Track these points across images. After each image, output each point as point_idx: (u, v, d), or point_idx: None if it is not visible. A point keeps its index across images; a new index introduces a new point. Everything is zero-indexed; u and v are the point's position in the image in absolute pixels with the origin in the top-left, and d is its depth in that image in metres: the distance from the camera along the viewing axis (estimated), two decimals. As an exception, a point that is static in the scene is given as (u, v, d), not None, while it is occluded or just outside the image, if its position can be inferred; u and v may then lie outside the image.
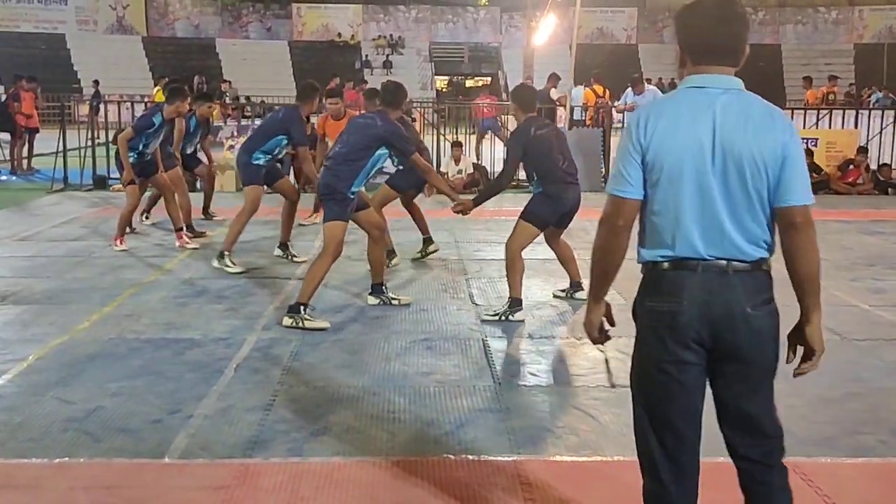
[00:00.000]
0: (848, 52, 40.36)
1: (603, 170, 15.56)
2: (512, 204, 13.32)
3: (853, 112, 17.97)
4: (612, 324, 3.03)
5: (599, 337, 3.03)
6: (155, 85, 22.53)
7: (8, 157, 18.05)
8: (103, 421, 4.71)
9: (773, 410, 2.84)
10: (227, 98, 25.18)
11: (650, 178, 2.72)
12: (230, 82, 29.92)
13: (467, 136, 18.19)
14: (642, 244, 2.83)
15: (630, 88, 14.35)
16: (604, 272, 2.88)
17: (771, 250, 2.75)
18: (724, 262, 2.69)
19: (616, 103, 14.82)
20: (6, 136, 18.13)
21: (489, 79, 42.01)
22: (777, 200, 2.68)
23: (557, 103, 17.77)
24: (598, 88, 17.78)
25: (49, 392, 5.09)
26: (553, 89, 18.13)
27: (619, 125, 16.43)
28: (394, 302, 7.18)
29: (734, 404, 2.80)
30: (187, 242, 9.52)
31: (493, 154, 15.57)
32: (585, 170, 14.93)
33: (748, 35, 2.78)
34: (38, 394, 5.10)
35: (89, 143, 14.90)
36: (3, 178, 16.81)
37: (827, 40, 40.20)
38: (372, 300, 7.20)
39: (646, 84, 14.57)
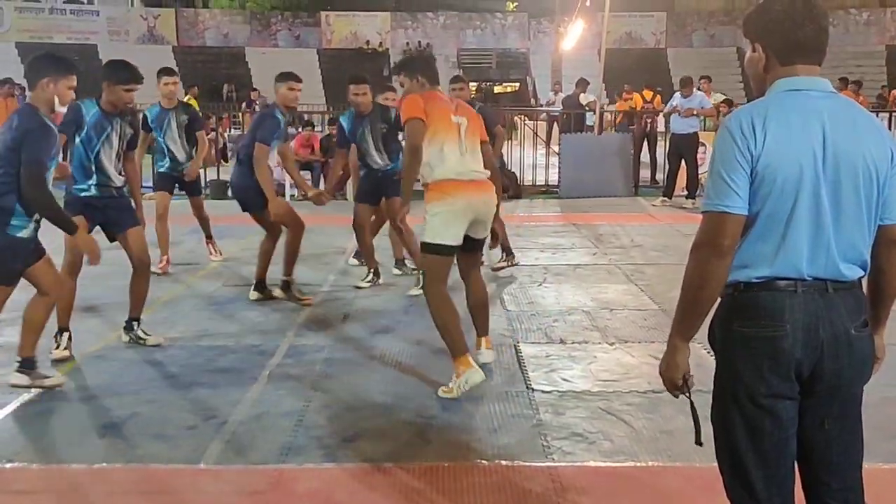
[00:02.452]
0: (879, 53, 39.92)
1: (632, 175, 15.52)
2: (542, 210, 13.36)
3: (886, 115, 17.77)
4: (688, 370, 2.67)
5: (681, 386, 2.64)
6: (185, 93, 22.70)
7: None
8: (139, 427, 4.76)
9: (860, 449, 2.69)
10: (257, 106, 25.32)
11: (759, 190, 2.46)
12: (259, 91, 30.07)
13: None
14: None
15: (678, 91, 14.21)
16: (701, 304, 2.54)
17: (866, 270, 2.57)
18: (822, 281, 2.49)
19: (666, 107, 14.63)
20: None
21: (517, 84, 41.96)
22: (882, 216, 2.54)
23: (587, 108, 17.75)
24: (648, 94, 17.66)
25: (86, 399, 5.15)
26: (582, 94, 18.11)
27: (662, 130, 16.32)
28: (140, 342, 6.24)
29: (823, 441, 2.60)
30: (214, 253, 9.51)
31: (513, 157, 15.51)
32: (617, 175, 14.98)
33: None
34: (75, 400, 5.16)
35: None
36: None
37: (858, 42, 39.74)
38: (124, 336, 6.32)
39: (693, 88, 14.27)
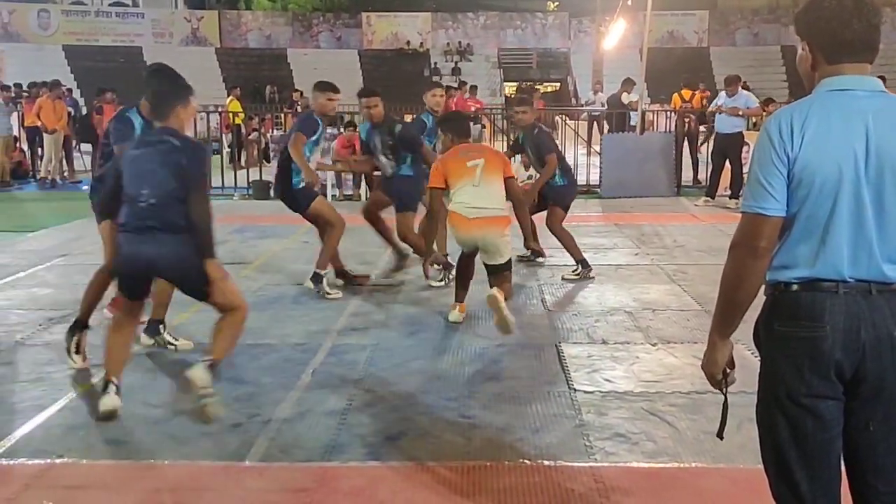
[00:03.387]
0: (926, 51, 39.35)
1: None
2: (583, 210, 13.32)
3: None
4: (732, 365, 2.71)
5: (722, 379, 2.69)
6: (228, 95, 22.93)
7: (89, 168, 18.53)
8: (186, 424, 4.82)
9: None
10: (299, 107, 25.48)
11: (797, 192, 2.46)
12: (301, 92, 30.29)
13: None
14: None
15: (723, 90, 14.05)
16: (737, 304, 2.57)
17: None
18: (865, 283, 2.46)
19: (713, 105, 14.42)
20: (88, 147, 18.61)
21: (558, 84, 41.87)
22: None
23: (629, 107, 17.67)
24: (686, 93, 17.51)
25: (134, 396, 5.22)
26: (626, 94, 18.03)
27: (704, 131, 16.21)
28: (170, 346, 6.33)
29: (868, 443, 2.55)
30: None
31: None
32: (660, 174, 14.88)
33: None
34: (123, 397, 5.23)
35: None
36: (85, 188, 17.25)
37: (906, 39, 39.24)
38: (146, 339, 6.34)
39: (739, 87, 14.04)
